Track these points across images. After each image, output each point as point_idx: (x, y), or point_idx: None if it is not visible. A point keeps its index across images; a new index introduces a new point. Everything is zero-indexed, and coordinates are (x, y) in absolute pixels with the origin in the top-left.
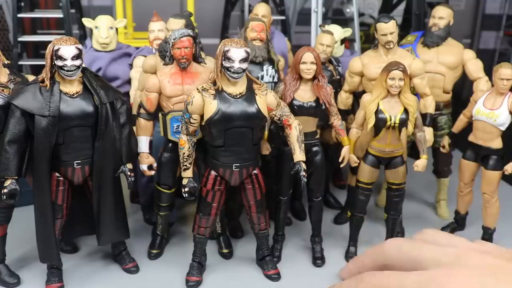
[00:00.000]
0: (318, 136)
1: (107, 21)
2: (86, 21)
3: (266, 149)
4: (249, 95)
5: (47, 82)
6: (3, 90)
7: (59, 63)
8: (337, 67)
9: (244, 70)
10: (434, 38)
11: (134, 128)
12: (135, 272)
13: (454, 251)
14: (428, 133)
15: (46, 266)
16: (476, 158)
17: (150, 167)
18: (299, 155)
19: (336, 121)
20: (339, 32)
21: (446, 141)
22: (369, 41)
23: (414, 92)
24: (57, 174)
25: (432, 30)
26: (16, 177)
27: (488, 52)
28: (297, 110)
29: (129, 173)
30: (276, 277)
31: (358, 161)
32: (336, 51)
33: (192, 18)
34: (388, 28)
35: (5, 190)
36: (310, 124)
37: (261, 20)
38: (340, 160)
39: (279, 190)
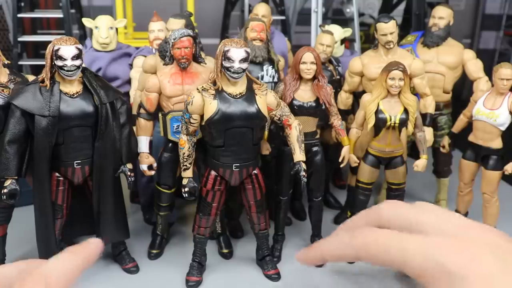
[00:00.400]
0: (318, 136)
1: (107, 21)
2: (86, 21)
3: (266, 149)
4: (249, 95)
5: (47, 82)
6: (3, 90)
7: (59, 63)
8: (337, 67)
9: (244, 70)
10: (434, 38)
11: (134, 128)
12: (135, 272)
13: (459, 222)
14: (428, 133)
15: None
16: (476, 158)
17: (150, 167)
18: (299, 155)
19: (336, 121)
20: (339, 32)
21: (446, 141)
22: (369, 41)
23: (414, 92)
24: (57, 174)
25: (432, 30)
26: (16, 177)
27: (488, 52)
28: (297, 110)
29: (129, 173)
30: (276, 277)
31: (358, 161)
32: (336, 51)
33: (192, 18)
34: (388, 28)
35: (5, 190)
36: (310, 124)
37: (261, 20)
38: (340, 160)
39: (279, 190)
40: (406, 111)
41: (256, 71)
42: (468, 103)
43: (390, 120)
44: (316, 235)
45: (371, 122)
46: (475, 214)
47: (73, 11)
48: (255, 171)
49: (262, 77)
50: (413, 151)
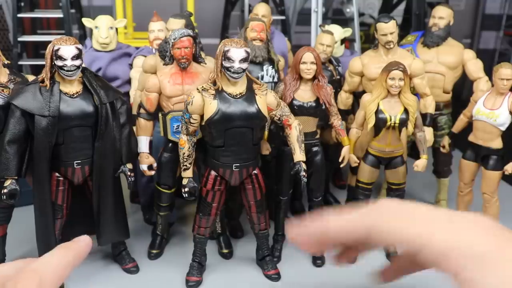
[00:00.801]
0: (318, 136)
1: (107, 21)
2: (86, 21)
3: (266, 149)
4: (249, 95)
5: (47, 82)
6: (3, 90)
7: (59, 63)
8: (337, 67)
9: (244, 70)
10: (434, 38)
11: (134, 128)
12: (135, 272)
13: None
14: (428, 133)
15: None
16: (476, 158)
17: (150, 167)
18: (299, 155)
19: (336, 121)
20: (339, 32)
21: (446, 141)
22: (369, 41)
23: (414, 92)
24: (57, 174)
25: (432, 30)
26: (16, 177)
27: (488, 52)
28: (297, 110)
29: (129, 173)
30: (276, 277)
31: (358, 161)
32: (336, 51)
33: (192, 18)
34: (388, 28)
35: (5, 190)
36: (310, 124)
37: (261, 20)
38: (340, 160)
39: (279, 190)
40: (406, 111)
41: (256, 71)
42: (468, 103)
43: (390, 120)
44: None
45: (371, 122)
46: None
47: (73, 11)
48: (255, 171)
49: (262, 77)
50: (413, 151)
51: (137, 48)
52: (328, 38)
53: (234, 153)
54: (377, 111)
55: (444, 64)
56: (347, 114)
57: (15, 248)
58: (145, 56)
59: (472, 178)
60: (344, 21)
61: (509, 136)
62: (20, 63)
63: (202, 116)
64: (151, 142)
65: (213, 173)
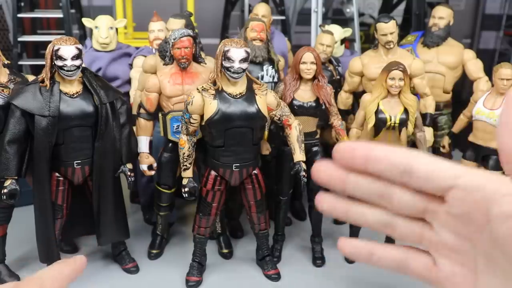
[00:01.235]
0: (318, 136)
1: (107, 21)
2: (86, 21)
3: (266, 149)
4: (249, 95)
5: (47, 82)
6: (3, 90)
7: (59, 63)
8: (337, 67)
9: (244, 70)
10: (434, 38)
11: (134, 128)
12: (135, 272)
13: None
14: (428, 133)
15: (46, 266)
16: (476, 158)
17: (150, 167)
18: (299, 155)
19: (336, 121)
20: (339, 32)
21: (446, 141)
22: (369, 41)
23: (414, 92)
24: (57, 174)
25: (432, 30)
26: (16, 177)
27: (488, 52)
28: (297, 110)
29: (129, 173)
30: (276, 277)
31: None
32: (336, 51)
33: (192, 18)
34: (388, 28)
35: (5, 190)
36: (310, 124)
37: (261, 20)
38: None
39: (279, 190)
40: (406, 111)
41: (256, 71)
42: (468, 103)
43: (390, 120)
44: (316, 235)
45: (371, 122)
46: None
47: (73, 11)
48: (255, 171)
49: (262, 77)
50: None
51: (137, 48)
52: (328, 38)
53: (234, 153)
54: (377, 111)
55: (444, 64)
56: (347, 114)
57: (15, 248)
58: (145, 56)
59: None
60: (344, 21)
61: None
62: (20, 63)
63: (202, 116)
64: (151, 142)
65: (213, 173)
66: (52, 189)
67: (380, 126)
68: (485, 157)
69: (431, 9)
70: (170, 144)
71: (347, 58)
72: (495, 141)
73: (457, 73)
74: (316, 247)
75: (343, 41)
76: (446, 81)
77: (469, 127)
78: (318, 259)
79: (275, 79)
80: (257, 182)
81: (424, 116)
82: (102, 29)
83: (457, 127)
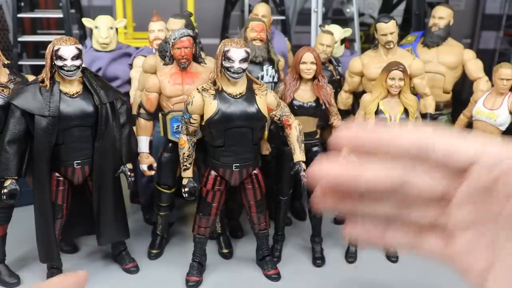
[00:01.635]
0: (318, 136)
1: (107, 21)
2: (86, 21)
3: (266, 149)
4: (249, 95)
5: (47, 82)
6: (3, 90)
7: (59, 63)
8: (337, 67)
9: (244, 70)
10: (434, 38)
11: (134, 128)
12: (135, 272)
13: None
14: None
15: (46, 266)
16: None
17: (150, 167)
18: (299, 155)
19: (336, 121)
20: (339, 32)
21: None
22: (369, 41)
23: (414, 92)
24: (57, 174)
25: (432, 30)
26: (16, 177)
27: (488, 52)
28: (297, 110)
29: (129, 173)
30: (276, 277)
31: None
32: (336, 51)
33: (192, 18)
34: (388, 28)
35: (5, 190)
36: (310, 124)
37: (261, 20)
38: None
39: (279, 190)
40: (406, 111)
41: (256, 71)
42: (468, 103)
43: (390, 120)
44: (316, 235)
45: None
46: None
47: (73, 11)
48: (255, 171)
49: (262, 77)
50: None
51: (137, 48)
52: (328, 38)
53: (234, 153)
54: (377, 111)
55: (444, 64)
56: (347, 114)
57: (15, 248)
58: (145, 56)
59: None
60: (344, 21)
61: (509, 136)
62: (20, 63)
63: (202, 116)
64: (151, 142)
65: (213, 173)
66: (52, 189)
67: None
68: None
69: (431, 9)
70: (170, 144)
71: (347, 58)
72: None
73: (457, 73)
74: (316, 247)
75: (343, 41)
76: (446, 81)
77: (469, 127)
78: (318, 259)
79: (275, 79)
80: (257, 182)
81: (424, 116)
82: (102, 29)
83: (457, 127)
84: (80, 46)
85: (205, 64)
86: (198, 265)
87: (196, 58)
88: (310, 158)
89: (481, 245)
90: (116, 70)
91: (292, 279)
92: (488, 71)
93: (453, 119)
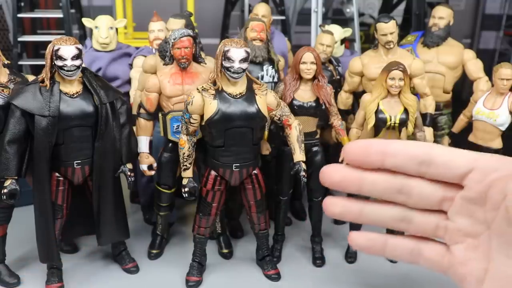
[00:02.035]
0: (318, 136)
1: (107, 21)
2: (86, 21)
3: (266, 149)
4: (249, 95)
5: (47, 82)
6: (3, 90)
7: (59, 63)
8: (337, 67)
9: (244, 70)
10: (434, 38)
11: (134, 128)
12: (135, 272)
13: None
14: (428, 133)
15: (46, 266)
16: None
17: (150, 167)
18: (299, 155)
19: (336, 121)
20: (339, 32)
21: (446, 141)
22: (369, 41)
23: (414, 92)
24: (57, 174)
25: (432, 30)
26: (16, 177)
27: (488, 52)
28: (297, 110)
29: (129, 173)
30: (276, 277)
31: None
32: (336, 51)
33: (192, 18)
34: (388, 28)
35: (5, 190)
36: (310, 124)
37: (261, 20)
38: (340, 160)
39: (279, 190)
40: (406, 111)
41: (256, 71)
42: (468, 103)
43: (390, 120)
44: (316, 235)
45: (371, 122)
46: None
47: (73, 11)
48: (255, 171)
49: (262, 77)
50: None
51: (137, 48)
52: (328, 38)
53: (234, 153)
54: (377, 111)
55: (444, 64)
56: (347, 114)
57: (15, 248)
58: (145, 56)
59: None
60: (344, 21)
61: (509, 136)
62: (20, 63)
63: (202, 116)
64: (151, 142)
65: (213, 173)
66: (52, 189)
67: (380, 126)
68: None
69: (431, 9)
70: (170, 144)
71: (347, 58)
72: (495, 141)
73: (457, 73)
74: (316, 247)
75: (343, 41)
76: (446, 81)
77: (469, 127)
78: (318, 259)
79: (275, 79)
80: (257, 182)
81: (424, 116)
82: (102, 29)
83: (457, 127)
84: (80, 46)
85: (205, 64)
86: (198, 265)
87: (196, 58)
88: (310, 158)
89: (476, 255)
90: (116, 70)
91: (292, 279)
92: (488, 71)
93: (453, 119)
